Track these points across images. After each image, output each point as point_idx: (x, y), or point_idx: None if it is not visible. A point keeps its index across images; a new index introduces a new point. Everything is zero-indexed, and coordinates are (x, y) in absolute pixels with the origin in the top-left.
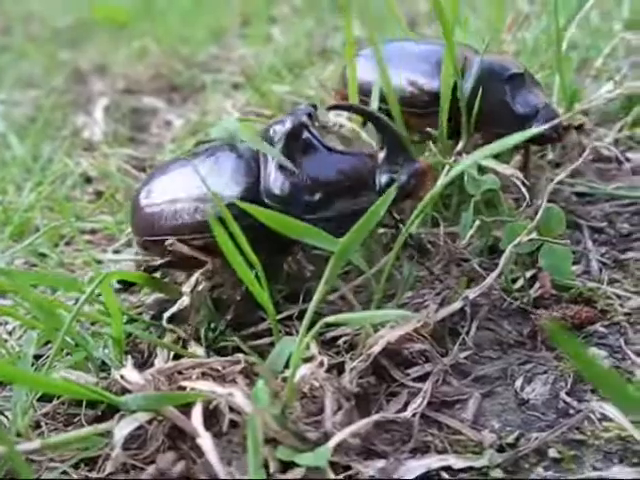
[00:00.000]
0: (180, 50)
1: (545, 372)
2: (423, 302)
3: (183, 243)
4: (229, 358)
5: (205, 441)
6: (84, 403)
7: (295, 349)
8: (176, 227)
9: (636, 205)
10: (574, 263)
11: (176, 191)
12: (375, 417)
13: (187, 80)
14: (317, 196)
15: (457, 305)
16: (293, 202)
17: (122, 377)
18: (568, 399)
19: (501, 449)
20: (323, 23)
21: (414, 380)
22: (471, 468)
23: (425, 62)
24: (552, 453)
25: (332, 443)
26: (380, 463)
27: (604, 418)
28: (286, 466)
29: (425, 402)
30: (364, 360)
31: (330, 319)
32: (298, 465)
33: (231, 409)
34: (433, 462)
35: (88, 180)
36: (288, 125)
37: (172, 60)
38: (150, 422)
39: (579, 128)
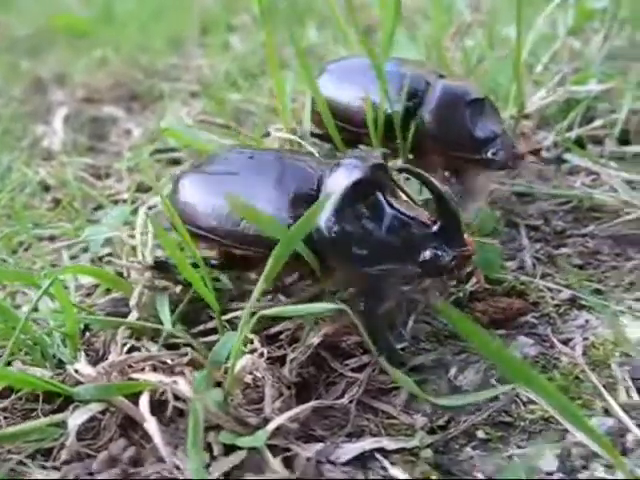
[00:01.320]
0: (140, 59)
1: (478, 361)
2: None
3: (216, 243)
4: (177, 352)
5: (151, 425)
6: (41, 398)
7: (236, 345)
8: (220, 231)
9: (571, 204)
10: (509, 259)
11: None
12: (313, 403)
13: (146, 89)
14: (361, 250)
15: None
16: (337, 249)
17: (76, 371)
18: (498, 385)
19: (432, 431)
20: (281, 32)
21: (352, 370)
22: (403, 449)
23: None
24: (480, 434)
25: (271, 427)
26: (318, 446)
27: (530, 401)
28: (229, 450)
29: (362, 390)
30: (304, 352)
31: (268, 311)
32: (240, 448)
33: (177, 398)
34: (367, 444)
35: (47, 188)
36: (356, 174)
37: (132, 69)
38: (103, 413)
39: (535, 153)
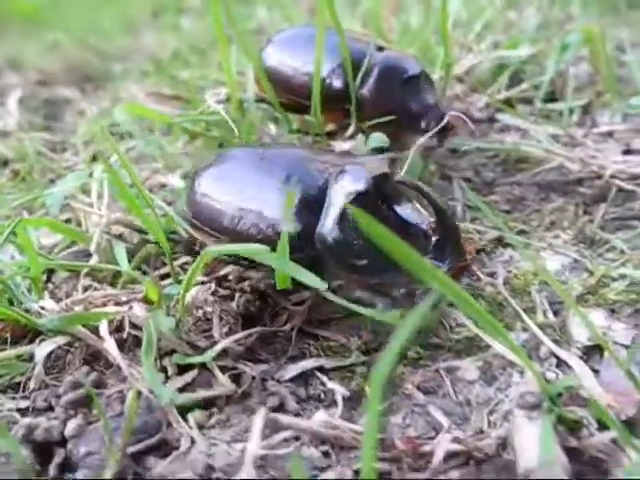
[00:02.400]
0: (92, 42)
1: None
2: None
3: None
4: (134, 289)
5: (110, 344)
6: (9, 340)
7: (187, 276)
8: (224, 229)
9: (500, 157)
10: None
11: (240, 197)
12: (258, 329)
13: (99, 70)
14: (364, 260)
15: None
16: (340, 258)
17: (42, 307)
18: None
19: (367, 352)
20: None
21: (295, 304)
22: (340, 367)
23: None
24: (411, 354)
25: (219, 347)
26: (263, 366)
27: (457, 325)
28: (182, 371)
29: (303, 319)
30: (250, 288)
31: (213, 248)
32: (192, 367)
33: (134, 327)
34: (308, 364)
35: (5, 163)
36: (362, 183)
37: (84, 52)
38: (69, 346)
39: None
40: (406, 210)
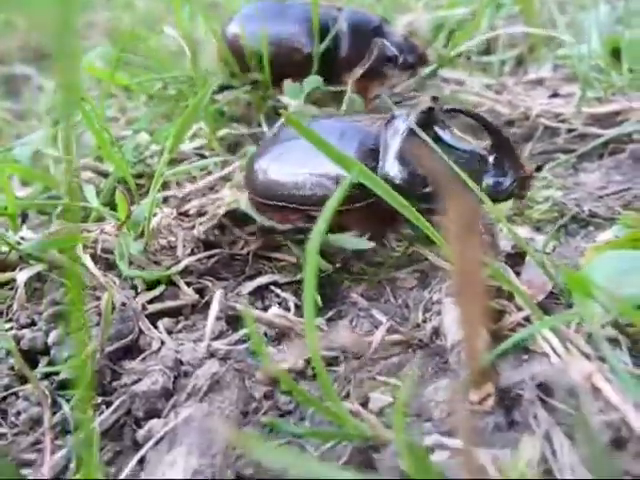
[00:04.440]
0: (46, 21)
1: None
2: None
3: (296, 211)
4: (104, 223)
5: (85, 260)
6: None
7: (149, 203)
8: (295, 197)
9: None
10: None
11: (299, 164)
12: (217, 250)
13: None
14: (428, 188)
15: None
16: (406, 191)
17: (21, 238)
18: None
19: (319, 270)
20: None
21: (250, 234)
22: (292, 282)
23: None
24: (355, 269)
25: (183, 264)
26: (223, 283)
27: (399, 244)
28: (150, 287)
29: (258, 244)
30: (210, 219)
31: (171, 171)
32: (160, 284)
33: (106, 252)
34: (264, 280)
35: None
36: (412, 118)
37: (40, 30)
38: (48, 272)
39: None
40: (461, 136)
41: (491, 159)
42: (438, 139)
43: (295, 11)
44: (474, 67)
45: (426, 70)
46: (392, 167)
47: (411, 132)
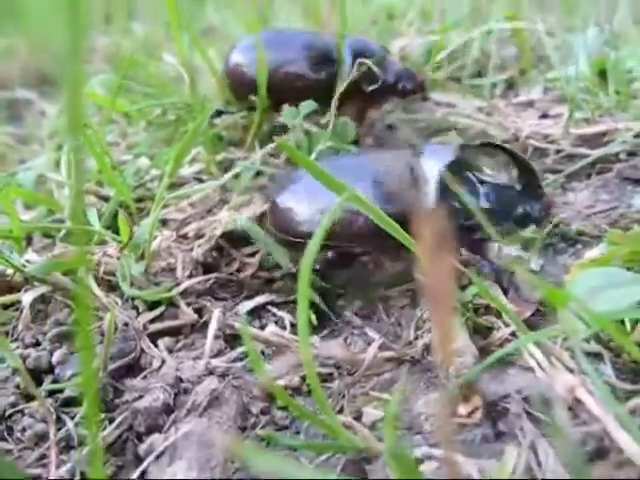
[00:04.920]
0: (47, 47)
1: None
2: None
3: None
4: (106, 246)
5: (90, 282)
6: None
7: (149, 226)
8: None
9: (431, 128)
10: None
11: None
12: (216, 274)
13: (56, 72)
14: (467, 220)
15: None
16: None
17: (27, 261)
18: None
19: (314, 290)
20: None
21: (247, 256)
22: (287, 302)
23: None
24: (349, 289)
25: (183, 286)
26: (222, 303)
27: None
28: (151, 307)
29: (254, 268)
30: (208, 241)
31: (171, 195)
32: (160, 305)
33: (108, 274)
34: (261, 299)
35: None
36: (450, 155)
37: (41, 55)
38: (52, 293)
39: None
40: (491, 170)
41: (519, 189)
42: (472, 174)
43: (297, 40)
44: (466, 90)
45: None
46: (434, 202)
47: (448, 165)
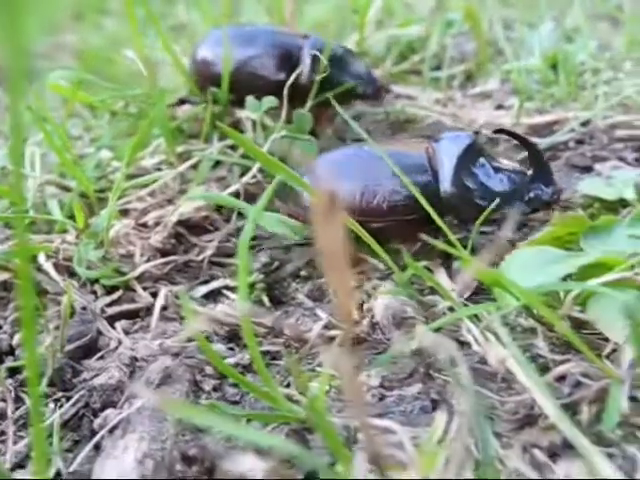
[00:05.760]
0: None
1: None
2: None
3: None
4: (67, 234)
5: (47, 267)
6: None
7: (107, 213)
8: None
9: (390, 119)
10: None
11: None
12: (173, 257)
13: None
14: (482, 202)
15: (235, 187)
16: (468, 203)
17: None
18: None
19: (267, 274)
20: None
21: (205, 242)
22: None
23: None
24: (303, 273)
25: (138, 270)
26: (178, 287)
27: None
28: (109, 292)
29: (212, 251)
30: (165, 228)
31: (128, 184)
32: (118, 289)
33: (67, 260)
34: (217, 284)
35: None
36: (466, 141)
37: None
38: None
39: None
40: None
41: (530, 174)
42: (486, 159)
43: (262, 37)
44: (425, 82)
45: None
46: (452, 182)
47: (465, 151)
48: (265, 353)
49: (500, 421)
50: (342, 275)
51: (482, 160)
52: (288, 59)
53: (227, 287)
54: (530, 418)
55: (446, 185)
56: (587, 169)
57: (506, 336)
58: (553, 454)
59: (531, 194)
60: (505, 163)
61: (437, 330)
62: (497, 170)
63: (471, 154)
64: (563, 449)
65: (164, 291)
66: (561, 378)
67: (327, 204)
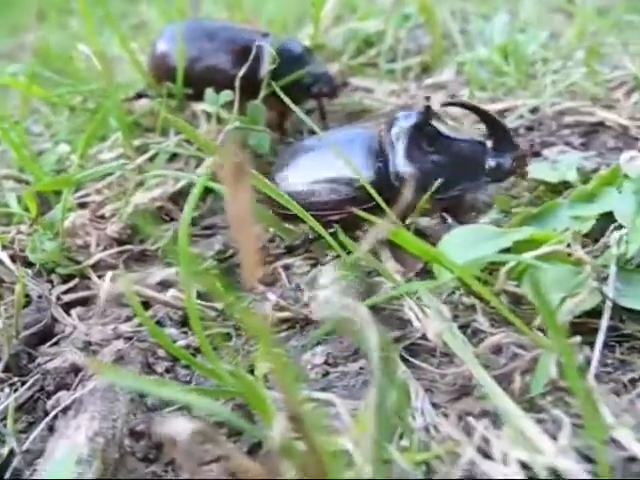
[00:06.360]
0: None
1: None
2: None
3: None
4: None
5: (1, 255)
6: None
7: (62, 204)
8: (312, 204)
9: (346, 111)
10: None
11: (313, 172)
12: (128, 247)
13: None
14: (439, 178)
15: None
16: (420, 182)
17: None
18: None
19: (219, 260)
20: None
21: (163, 231)
22: (197, 272)
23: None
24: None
25: (93, 259)
26: (134, 274)
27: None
28: (65, 281)
29: (168, 241)
30: (121, 219)
31: (79, 175)
32: (74, 277)
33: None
34: (172, 271)
35: None
36: (414, 119)
37: None
38: None
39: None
40: (455, 129)
41: (489, 143)
42: (439, 133)
43: (222, 33)
44: (382, 75)
45: None
46: (402, 164)
47: (414, 129)
48: (215, 335)
49: (439, 392)
50: (248, 237)
51: (436, 135)
52: (247, 55)
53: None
54: (467, 389)
55: (397, 166)
56: (536, 154)
57: (445, 311)
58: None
59: (492, 163)
60: (462, 135)
61: (372, 308)
62: (452, 143)
63: (422, 131)
64: (496, 416)
65: (109, 277)
66: (499, 350)
67: (235, 170)
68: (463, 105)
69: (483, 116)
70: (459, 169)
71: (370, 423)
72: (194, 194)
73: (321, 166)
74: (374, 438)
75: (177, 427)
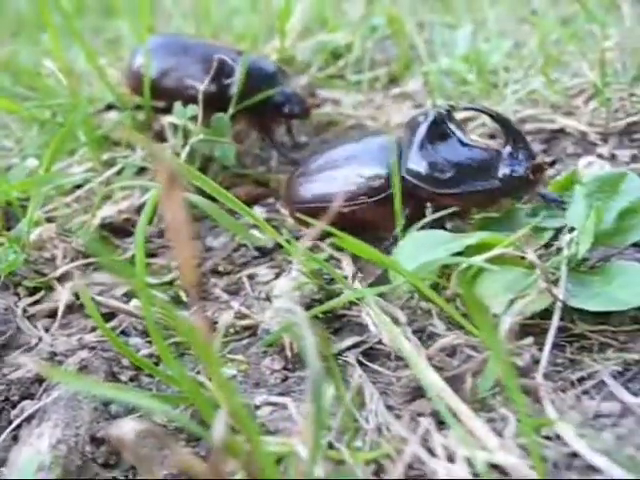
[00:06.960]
0: None
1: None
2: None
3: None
4: None
5: None
6: None
7: (28, 215)
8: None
9: (314, 123)
10: (262, 164)
11: (333, 170)
12: (94, 259)
13: None
14: (448, 175)
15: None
16: (431, 177)
17: None
18: None
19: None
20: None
21: (128, 243)
22: (163, 282)
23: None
24: (220, 269)
25: (59, 271)
26: (99, 287)
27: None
28: (32, 292)
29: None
30: (88, 232)
31: (45, 188)
32: (41, 289)
33: None
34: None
35: None
36: (430, 117)
37: None
38: None
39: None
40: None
41: (505, 151)
42: (454, 134)
43: (196, 50)
44: (350, 86)
45: None
46: (415, 160)
47: (431, 129)
48: (178, 344)
49: (394, 395)
50: (185, 245)
51: (450, 137)
52: (221, 72)
53: (148, 284)
54: (420, 391)
55: (410, 162)
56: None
57: (400, 316)
58: (439, 421)
59: (505, 170)
60: (478, 142)
61: (333, 315)
62: (466, 148)
63: (437, 130)
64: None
65: (67, 289)
66: (453, 353)
67: (168, 182)
68: (482, 111)
69: (501, 123)
70: (470, 170)
71: (308, 426)
72: (148, 206)
73: (339, 164)
74: (312, 439)
75: (124, 428)
